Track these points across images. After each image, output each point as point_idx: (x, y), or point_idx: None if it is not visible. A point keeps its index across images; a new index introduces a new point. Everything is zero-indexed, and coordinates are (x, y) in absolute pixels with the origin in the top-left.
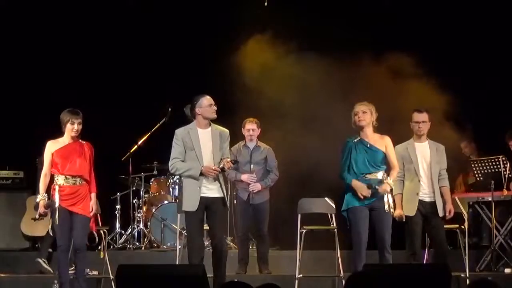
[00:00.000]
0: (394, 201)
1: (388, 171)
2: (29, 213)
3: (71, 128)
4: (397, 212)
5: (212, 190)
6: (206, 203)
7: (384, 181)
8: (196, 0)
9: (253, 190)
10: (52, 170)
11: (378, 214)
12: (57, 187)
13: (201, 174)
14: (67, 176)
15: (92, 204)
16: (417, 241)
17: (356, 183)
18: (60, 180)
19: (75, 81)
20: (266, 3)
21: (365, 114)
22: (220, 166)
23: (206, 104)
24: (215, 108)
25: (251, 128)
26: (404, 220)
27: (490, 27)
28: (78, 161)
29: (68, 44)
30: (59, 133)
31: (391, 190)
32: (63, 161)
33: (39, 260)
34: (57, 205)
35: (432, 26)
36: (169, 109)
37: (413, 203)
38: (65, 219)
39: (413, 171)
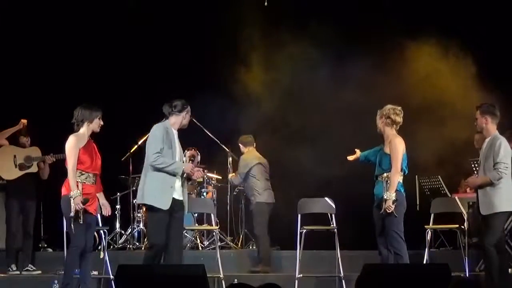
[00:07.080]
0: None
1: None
2: None
3: (99, 123)
4: None
5: (178, 192)
6: (173, 205)
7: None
8: (196, 1)
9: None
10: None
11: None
12: (80, 185)
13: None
14: (91, 174)
15: (105, 204)
16: (483, 239)
17: None
18: (83, 178)
19: (75, 81)
20: (266, 3)
21: (377, 120)
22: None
23: (188, 115)
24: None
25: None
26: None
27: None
28: (96, 159)
29: (68, 44)
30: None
31: (395, 199)
32: (89, 159)
33: (11, 268)
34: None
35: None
36: None
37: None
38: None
39: None
